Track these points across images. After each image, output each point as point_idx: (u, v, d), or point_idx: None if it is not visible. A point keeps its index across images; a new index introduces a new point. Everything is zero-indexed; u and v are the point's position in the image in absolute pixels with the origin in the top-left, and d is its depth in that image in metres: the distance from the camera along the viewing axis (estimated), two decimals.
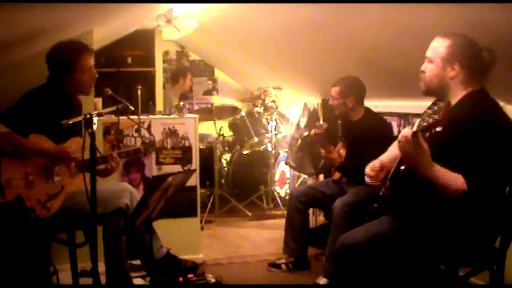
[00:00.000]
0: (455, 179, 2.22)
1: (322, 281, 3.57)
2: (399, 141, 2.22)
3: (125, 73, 5.42)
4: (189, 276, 3.62)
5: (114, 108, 2.96)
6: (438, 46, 2.42)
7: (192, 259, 4.03)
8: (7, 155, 2.88)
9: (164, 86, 5.99)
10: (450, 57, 2.38)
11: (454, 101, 2.42)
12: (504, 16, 2.48)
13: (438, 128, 2.05)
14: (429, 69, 2.45)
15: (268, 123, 5.78)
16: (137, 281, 3.45)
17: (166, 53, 7.21)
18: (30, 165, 2.94)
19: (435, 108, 2.08)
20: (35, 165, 2.95)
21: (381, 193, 2.52)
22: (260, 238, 4.93)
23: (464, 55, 2.38)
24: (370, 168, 2.61)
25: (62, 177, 3.03)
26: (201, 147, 5.51)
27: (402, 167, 2.36)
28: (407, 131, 2.19)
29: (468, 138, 2.24)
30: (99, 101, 3.80)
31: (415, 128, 2.15)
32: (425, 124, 2.09)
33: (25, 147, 2.91)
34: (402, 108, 4.21)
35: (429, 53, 2.46)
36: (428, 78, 2.45)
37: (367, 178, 2.61)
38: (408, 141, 2.17)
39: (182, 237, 4.04)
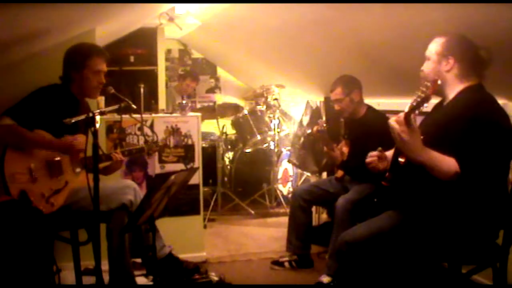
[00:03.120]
0: (447, 161, 2.25)
1: (325, 279, 3.56)
2: (391, 124, 2.24)
3: (128, 71, 5.42)
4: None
5: (116, 106, 2.97)
6: (435, 45, 2.50)
7: (195, 257, 4.05)
8: (11, 149, 2.89)
9: (166, 84, 6.00)
10: (445, 51, 2.45)
11: (451, 95, 2.47)
12: (505, 15, 2.48)
13: (426, 104, 2.14)
14: (426, 66, 2.52)
15: (271, 121, 5.77)
16: (140, 279, 3.46)
17: (168, 51, 7.22)
18: (34, 160, 2.95)
19: (423, 88, 2.16)
20: (39, 160, 2.96)
21: (381, 182, 2.55)
22: (263, 236, 4.93)
23: (459, 49, 2.44)
24: (369, 157, 2.68)
25: (65, 173, 3.05)
26: (203, 145, 5.52)
27: (402, 160, 2.37)
28: (398, 116, 2.24)
29: (462, 130, 2.27)
30: (101, 99, 3.80)
31: (406, 109, 2.20)
32: (414, 103, 2.17)
33: (29, 138, 2.92)
34: (404, 106, 4.17)
35: (427, 53, 2.53)
36: (426, 74, 2.51)
37: (368, 163, 2.67)
38: (400, 122, 2.20)
39: (185, 235, 4.06)
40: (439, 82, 2.30)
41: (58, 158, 3.01)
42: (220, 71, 7.66)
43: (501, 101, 2.45)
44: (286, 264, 4.02)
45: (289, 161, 5.79)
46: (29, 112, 2.96)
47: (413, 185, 2.44)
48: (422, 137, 2.25)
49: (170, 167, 4.04)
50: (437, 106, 2.62)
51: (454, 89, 2.46)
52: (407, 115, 2.20)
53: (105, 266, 3.01)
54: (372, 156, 2.66)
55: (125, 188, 3.17)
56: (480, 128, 2.25)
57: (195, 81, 6.50)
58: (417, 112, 2.19)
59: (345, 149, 3.94)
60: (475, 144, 2.24)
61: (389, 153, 2.66)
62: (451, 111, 2.40)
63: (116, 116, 3.79)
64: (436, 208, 2.38)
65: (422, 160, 2.24)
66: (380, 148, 2.69)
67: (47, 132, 2.99)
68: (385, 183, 2.51)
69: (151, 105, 4.34)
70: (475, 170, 2.24)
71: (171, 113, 4.23)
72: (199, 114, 4.27)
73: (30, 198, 2.86)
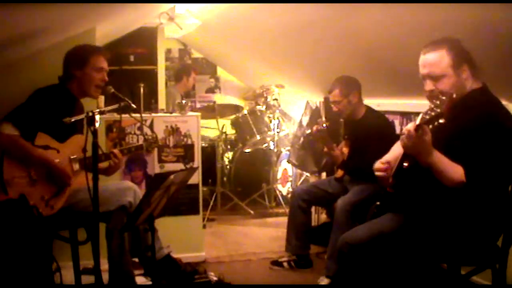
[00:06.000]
0: (454, 168, 2.24)
1: (324, 281, 3.56)
2: (402, 135, 2.23)
3: (128, 71, 5.42)
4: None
5: (116, 106, 2.96)
6: (441, 60, 2.36)
7: (194, 257, 4.05)
8: (10, 155, 2.88)
9: (166, 84, 5.99)
10: (458, 61, 2.35)
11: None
12: (506, 16, 2.48)
13: (441, 121, 2.07)
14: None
15: (271, 121, 5.78)
16: (140, 279, 3.46)
17: (168, 51, 7.21)
18: (32, 163, 2.94)
19: (438, 102, 2.09)
20: (38, 163, 2.95)
21: (387, 189, 2.53)
22: (262, 236, 4.93)
23: (464, 51, 2.38)
24: (379, 164, 2.59)
25: None
26: (203, 145, 5.52)
27: (405, 164, 2.36)
28: (410, 126, 2.21)
29: (472, 135, 2.25)
30: (101, 99, 3.80)
31: (418, 121, 2.17)
32: (427, 117, 2.12)
33: (29, 155, 2.90)
34: (404, 106, 4.20)
35: (433, 71, 2.37)
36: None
37: (377, 173, 2.57)
38: (410, 135, 2.18)
39: (184, 235, 4.05)
40: (454, 95, 2.22)
41: (58, 160, 3.00)
42: (220, 71, 7.65)
43: (502, 102, 2.44)
44: (285, 264, 4.02)
45: (288, 161, 5.79)
46: (31, 117, 2.94)
47: (415, 187, 2.44)
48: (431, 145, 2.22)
49: (169, 167, 4.03)
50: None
51: (463, 92, 2.40)
52: (418, 127, 2.16)
53: (104, 265, 3.01)
54: (381, 165, 2.56)
55: (125, 190, 3.16)
56: (486, 132, 2.24)
57: (190, 74, 6.48)
58: (430, 126, 2.12)
59: (345, 150, 3.94)
60: (482, 150, 2.23)
61: (390, 156, 2.64)
62: (458, 114, 2.31)
63: (116, 116, 3.79)
64: (436, 209, 2.38)
65: (431, 162, 2.23)
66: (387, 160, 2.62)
67: (48, 134, 2.97)
68: (390, 189, 2.50)
69: (150, 104, 4.34)
70: (481, 179, 2.23)
71: (170, 112, 4.23)
72: (198, 113, 4.26)
73: (30, 202, 2.85)
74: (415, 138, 2.18)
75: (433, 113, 2.09)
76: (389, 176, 2.53)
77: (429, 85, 2.40)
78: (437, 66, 2.36)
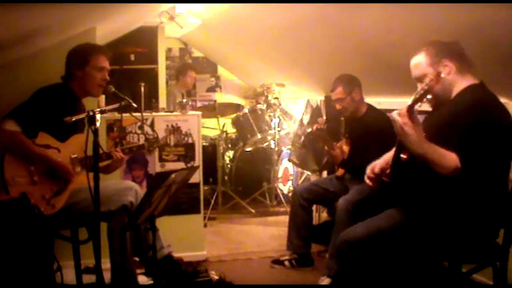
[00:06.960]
0: (449, 156, 2.23)
1: (325, 281, 3.55)
2: (393, 117, 2.25)
3: (128, 70, 5.41)
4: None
5: (117, 105, 2.97)
6: (420, 61, 2.46)
7: (195, 256, 4.05)
8: (11, 152, 2.89)
9: (167, 83, 5.99)
10: (436, 58, 2.42)
11: (453, 94, 2.44)
12: (506, 15, 2.48)
13: (429, 96, 2.16)
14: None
15: (271, 120, 5.77)
16: (142, 278, 3.46)
17: (169, 50, 7.21)
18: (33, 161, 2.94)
19: (426, 81, 2.17)
20: (38, 161, 2.95)
21: (383, 179, 2.54)
22: (263, 235, 4.94)
23: (446, 49, 2.42)
24: (370, 170, 2.63)
25: None
26: (204, 144, 5.52)
27: (404, 156, 2.36)
28: (401, 109, 2.24)
29: (464, 129, 2.26)
30: (102, 98, 3.81)
31: (409, 102, 2.20)
32: (417, 96, 2.17)
33: (30, 152, 2.91)
34: (404, 105, 4.18)
35: (415, 73, 2.48)
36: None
37: (366, 179, 2.63)
38: (402, 115, 2.20)
39: (185, 234, 4.05)
40: (442, 75, 2.28)
41: (59, 159, 3.00)
42: (221, 70, 7.66)
43: (502, 100, 2.44)
44: (287, 263, 4.02)
45: (289, 160, 5.80)
46: (34, 115, 2.95)
47: (414, 183, 2.44)
48: (424, 135, 2.24)
49: (170, 166, 4.03)
50: (439, 105, 2.60)
51: (457, 87, 2.43)
52: (410, 108, 2.19)
53: (105, 264, 3.01)
54: (372, 169, 2.61)
55: (126, 189, 3.16)
56: (482, 127, 2.24)
57: (194, 70, 6.48)
58: (419, 104, 2.18)
59: (346, 148, 3.94)
60: (477, 142, 2.23)
61: (390, 154, 2.65)
62: (453, 109, 2.38)
63: (117, 115, 3.79)
64: (436, 206, 2.38)
65: (423, 153, 2.22)
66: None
67: (50, 134, 2.98)
68: (386, 179, 2.51)
69: (151, 103, 4.34)
70: (476, 165, 2.22)
71: (171, 111, 4.23)
72: (199, 112, 4.27)
73: (31, 201, 2.86)
74: (406, 119, 2.19)
75: (422, 91, 2.15)
76: (377, 184, 2.57)
77: (419, 87, 2.45)
78: (418, 67, 2.47)
